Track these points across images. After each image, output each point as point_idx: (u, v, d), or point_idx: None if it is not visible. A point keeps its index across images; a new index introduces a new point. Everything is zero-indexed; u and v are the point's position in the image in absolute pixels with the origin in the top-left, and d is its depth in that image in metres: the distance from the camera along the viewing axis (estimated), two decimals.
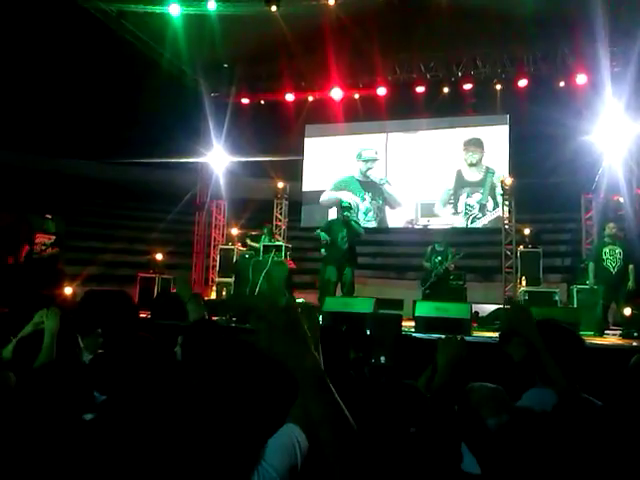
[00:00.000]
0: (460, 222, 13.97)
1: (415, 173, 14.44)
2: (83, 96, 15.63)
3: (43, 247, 8.70)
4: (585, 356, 2.51)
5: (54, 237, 8.84)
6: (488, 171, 13.94)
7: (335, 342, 2.72)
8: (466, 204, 14.00)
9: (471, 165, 14.16)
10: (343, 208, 9.06)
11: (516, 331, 2.60)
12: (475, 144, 14.17)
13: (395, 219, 14.66)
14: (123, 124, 16.01)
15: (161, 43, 11.85)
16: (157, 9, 10.25)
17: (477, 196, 13.97)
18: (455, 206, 14.10)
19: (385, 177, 14.81)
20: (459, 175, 14.16)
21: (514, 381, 2.52)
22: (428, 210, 14.17)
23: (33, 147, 16.05)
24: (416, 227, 14.11)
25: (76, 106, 15.76)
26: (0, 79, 14.05)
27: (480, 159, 14.09)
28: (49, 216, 9.13)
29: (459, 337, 2.30)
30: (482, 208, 13.88)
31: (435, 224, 13.90)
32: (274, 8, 9.56)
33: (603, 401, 2.25)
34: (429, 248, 9.63)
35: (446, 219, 14.06)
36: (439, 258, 9.39)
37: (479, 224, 13.85)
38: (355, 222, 9.15)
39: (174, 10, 10.02)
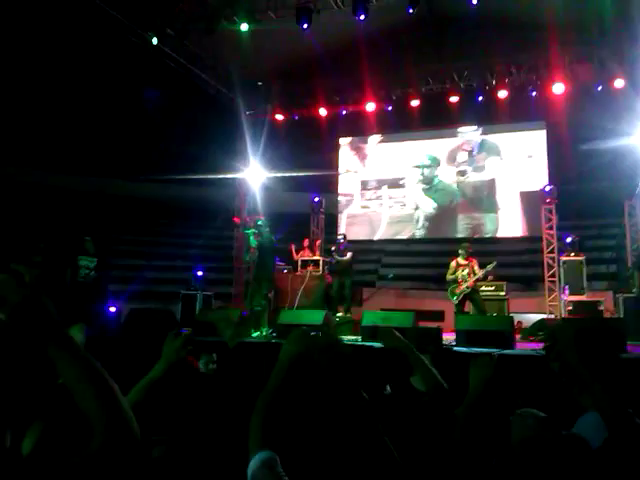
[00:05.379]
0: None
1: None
2: (119, 116, 16.09)
3: (87, 271, 8.85)
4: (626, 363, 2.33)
5: (96, 259, 8.96)
6: None
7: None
8: None
9: None
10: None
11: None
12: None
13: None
14: (160, 143, 16.43)
15: (198, 64, 12.16)
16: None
17: None
18: None
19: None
20: None
21: (566, 399, 2.16)
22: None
23: (69, 168, 16.54)
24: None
25: (113, 127, 16.24)
26: (41, 105, 14.64)
27: None
28: (88, 237, 9.21)
29: (493, 355, 2.21)
30: None
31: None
32: (305, 26, 9.63)
33: None
34: (453, 262, 9.43)
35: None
36: (466, 271, 9.26)
37: (519, 233, 13.63)
38: None
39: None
